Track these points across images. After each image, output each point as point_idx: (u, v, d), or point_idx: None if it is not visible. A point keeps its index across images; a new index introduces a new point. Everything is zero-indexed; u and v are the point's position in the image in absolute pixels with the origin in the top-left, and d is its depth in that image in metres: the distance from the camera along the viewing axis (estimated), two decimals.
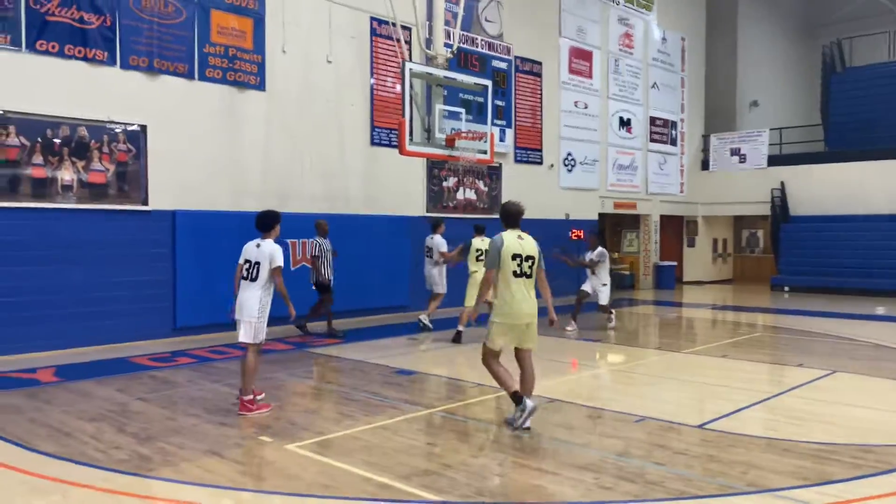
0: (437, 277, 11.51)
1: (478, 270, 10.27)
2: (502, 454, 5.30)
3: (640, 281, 21.07)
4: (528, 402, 5.80)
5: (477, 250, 10.48)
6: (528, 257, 5.90)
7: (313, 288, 10.97)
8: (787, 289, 19.53)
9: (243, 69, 11.41)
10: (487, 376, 6.34)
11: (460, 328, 10.48)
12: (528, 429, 5.80)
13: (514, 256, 5.86)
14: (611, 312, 12.20)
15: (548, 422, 6.20)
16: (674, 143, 21.89)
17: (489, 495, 4.45)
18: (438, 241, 11.39)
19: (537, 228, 16.66)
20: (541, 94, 17.13)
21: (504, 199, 15.98)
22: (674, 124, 21.84)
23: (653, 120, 20.96)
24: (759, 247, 24.16)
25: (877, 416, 6.50)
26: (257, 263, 6.33)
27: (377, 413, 6.43)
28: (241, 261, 6.47)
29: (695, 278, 22.68)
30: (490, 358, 6.03)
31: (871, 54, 24.14)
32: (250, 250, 6.43)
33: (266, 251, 6.32)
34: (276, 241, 6.50)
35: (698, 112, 23.05)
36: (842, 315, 14.23)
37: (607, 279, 12.09)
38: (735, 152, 21.82)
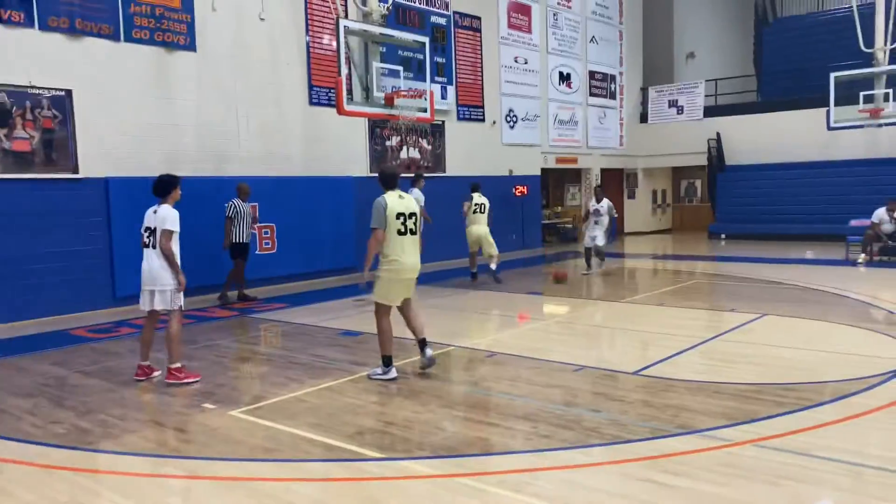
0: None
1: (472, 224, 12.34)
2: (446, 409, 5.42)
3: (582, 234, 21.40)
4: (393, 372, 6.25)
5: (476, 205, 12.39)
6: (411, 214, 6.23)
7: (225, 249, 10.74)
8: (723, 236, 20.17)
9: (172, 29, 11.01)
10: (426, 333, 6.45)
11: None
12: (433, 361, 6.44)
13: (399, 215, 6.14)
14: (604, 257, 13.80)
15: (489, 375, 6.36)
16: (613, 96, 22.12)
17: (431, 449, 4.56)
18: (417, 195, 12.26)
19: (483, 184, 16.69)
20: (481, 51, 17.03)
21: (448, 158, 16.02)
22: (613, 78, 22.04)
23: (592, 74, 21.10)
24: (696, 196, 24.81)
25: (800, 355, 6.85)
26: (154, 230, 6.23)
27: (323, 375, 6.48)
28: (142, 229, 6.35)
29: (636, 229, 23.20)
30: (383, 314, 6.31)
31: (801, 4, 24.64)
32: (149, 217, 6.32)
33: (160, 216, 6.20)
34: (176, 206, 6.38)
35: (636, 65, 23.28)
36: (774, 260, 14.80)
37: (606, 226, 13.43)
38: (672, 104, 22.21)
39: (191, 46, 11.25)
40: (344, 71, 9.47)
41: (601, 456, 4.36)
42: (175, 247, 6.23)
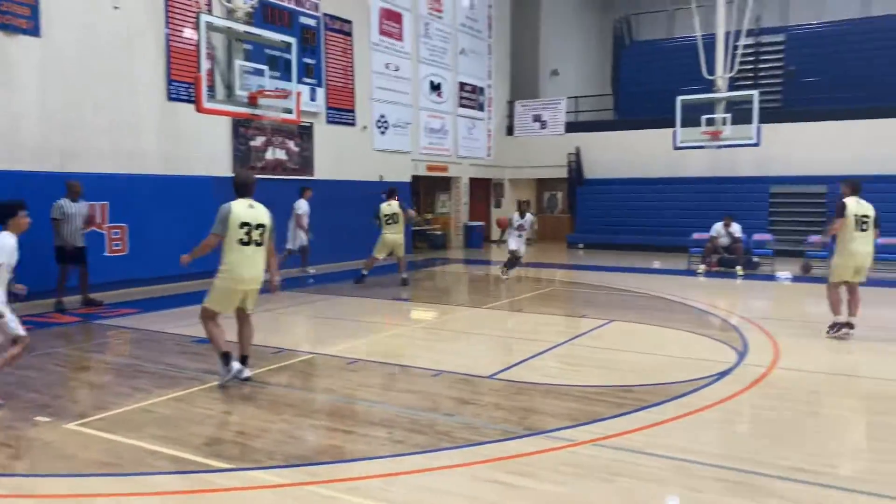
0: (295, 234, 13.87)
1: (386, 233, 12.65)
2: (301, 418, 5.34)
3: (451, 240, 21.84)
4: (234, 366, 6.06)
5: (385, 215, 12.65)
6: (259, 225, 6.04)
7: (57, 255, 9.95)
8: (581, 246, 21.20)
9: (13, 11, 10.16)
10: (288, 341, 6.33)
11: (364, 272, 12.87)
12: (249, 378, 6.19)
13: (244, 225, 5.97)
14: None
15: (349, 382, 6.33)
16: (481, 108, 22.71)
17: (283, 458, 4.48)
18: (300, 205, 13.84)
19: (350, 189, 16.62)
20: (352, 55, 16.96)
21: (317, 161, 15.81)
22: (481, 90, 22.63)
23: (462, 85, 21.57)
24: (558, 207, 25.91)
25: (641, 359, 7.33)
26: None
27: (172, 385, 6.19)
28: None
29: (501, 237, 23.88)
30: (207, 318, 6.19)
31: (655, 30, 26.39)
32: None
33: None
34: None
35: (504, 79, 24.05)
36: (625, 269, 15.74)
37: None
38: (537, 118, 23.12)
39: (34, 31, 10.43)
40: (204, 67, 9.12)
41: (451, 459, 4.46)
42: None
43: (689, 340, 8.25)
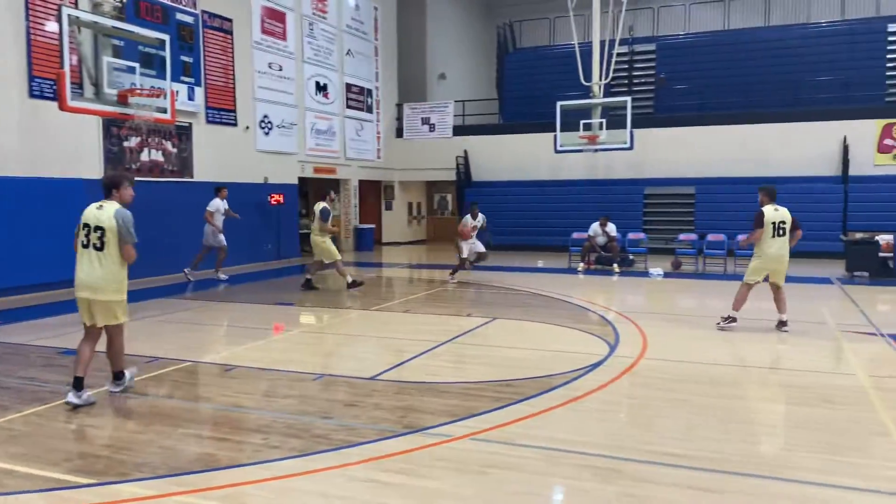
0: (211, 237, 13.79)
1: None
2: (172, 428, 5.15)
3: (341, 243, 21.65)
4: (84, 395, 5.59)
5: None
6: (97, 227, 5.60)
7: None
8: None
9: None
10: (164, 349, 6.11)
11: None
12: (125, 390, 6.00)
13: (85, 226, 5.66)
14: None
15: (226, 390, 6.17)
16: (370, 110, 22.67)
17: (150, 470, 4.32)
18: (216, 204, 13.80)
19: (235, 192, 16.13)
20: (233, 53, 16.50)
21: (196, 162, 15.26)
22: (369, 92, 22.59)
23: (349, 87, 21.45)
24: (448, 209, 26.26)
25: (521, 354, 7.57)
26: None
27: (33, 400, 5.82)
28: None
29: (392, 239, 23.95)
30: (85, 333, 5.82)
31: (537, 37, 27.24)
32: None
33: None
34: None
35: (392, 81, 24.11)
36: (511, 269, 16.15)
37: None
38: (425, 121, 23.34)
39: None
40: (68, 63, 8.62)
41: (327, 461, 4.44)
42: None
43: (566, 335, 8.59)
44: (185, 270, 13.77)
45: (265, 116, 17.69)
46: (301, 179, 19.41)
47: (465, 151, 22.99)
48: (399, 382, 6.32)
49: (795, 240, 8.67)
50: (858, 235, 14.89)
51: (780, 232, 8.48)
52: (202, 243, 13.87)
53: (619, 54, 21.97)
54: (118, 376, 5.96)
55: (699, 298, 12.46)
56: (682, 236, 16.89)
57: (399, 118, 24.04)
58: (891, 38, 20.69)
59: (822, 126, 19.18)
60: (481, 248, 14.28)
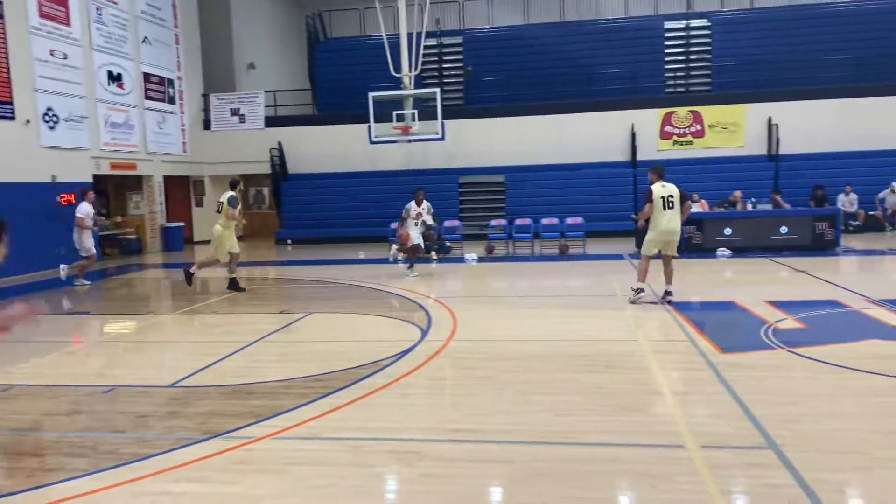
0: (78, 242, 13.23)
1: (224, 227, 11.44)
2: None
3: (147, 244, 20.27)
4: None
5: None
6: None
7: None
8: (290, 242, 21.07)
9: None
10: None
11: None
12: None
13: None
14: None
15: (2, 412, 5.54)
16: (172, 101, 21.36)
17: None
18: (85, 209, 13.27)
19: (17, 193, 14.60)
20: (5, 39, 14.79)
21: None
22: (171, 82, 21.28)
23: (147, 76, 20.05)
24: (265, 204, 25.45)
25: (333, 347, 7.50)
26: None
27: None
28: None
29: (205, 237, 22.76)
30: None
31: (348, 27, 27.05)
32: None
33: None
34: None
35: (196, 71, 22.87)
36: (331, 262, 15.99)
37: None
38: (235, 112, 22.41)
39: None
40: None
41: (115, 478, 4.12)
42: None
43: (381, 324, 8.64)
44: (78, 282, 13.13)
45: (49, 109, 16.06)
46: (96, 177, 17.88)
47: (280, 143, 22.39)
48: (201, 388, 6.02)
49: (685, 213, 9.37)
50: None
51: (670, 205, 9.08)
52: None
53: (428, 47, 22.47)
54: None
55: (509, 280, 13.07)
56: (493, 222, 17.62)
57: (206, 109, 22.87)
58: (667, 35, 22.88)
59: (613, 115, 20.85)
60: (420, 241, 13.43)
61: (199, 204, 22.92)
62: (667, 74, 22.70)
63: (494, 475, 4.06)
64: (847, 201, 18.45)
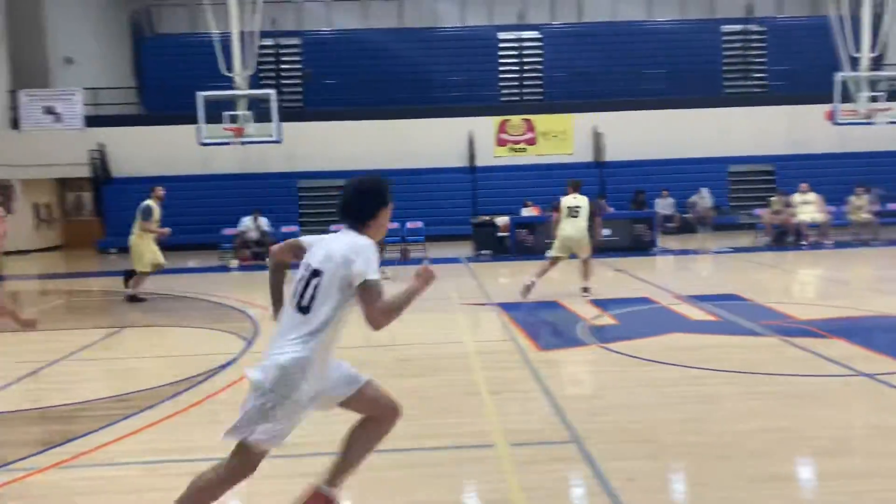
0: None
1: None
2: None
3: None
4: None
5: None
6: None
7: None
8: (114, 251, 19.56)
9: None
10: None
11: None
12: None
13: None
14: None
15: None
16: None
17: None
18: None
19: None
20: None
21: None
22: None
23: None
24: (86, 210, 23.53)
25: (145, 364, 7.02)
26: None
27: None
28: None
29: (15, 248, 20.65)
30: None
31: (178, 23, 25.61)
32: None
33: None
34: None
35: (2, 64, 20.72)
36: (158, 271, 14.98)
37: None
38: (49, 111, 20.55)
39: None
40: None
41: None
42: None
43: (201, 337, 8.21)
44: None
45: None
46: None
47: (102, 145, 20.78)
48: None
49: (598, 226, 10.34)
50: (482, 219, 16.84)
51: (575, 214, 9.83)
52: None
53: (265, 47, 21.80)
54: None
55: None
56: (333, 227, 17.34)
57: (14, 107, 20.76)
58: (501, 45, 23.71)
59: (451, 122, 21.29)
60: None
61: (10, 211, 20.70)
62: (501, 83, 23.51)
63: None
64: (664, 205, 20.01)
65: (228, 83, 17.57)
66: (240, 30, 16.89)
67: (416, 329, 8.19)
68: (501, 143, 21.63)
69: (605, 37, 23.70)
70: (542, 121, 21.71)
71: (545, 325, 8.59)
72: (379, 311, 2.99)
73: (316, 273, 3.04)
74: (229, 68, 17.01)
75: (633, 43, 23.42)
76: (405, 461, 4.26)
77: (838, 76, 17.28)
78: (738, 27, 23.84)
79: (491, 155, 21.38)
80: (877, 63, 19.16)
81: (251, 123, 16.77)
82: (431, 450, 4.43)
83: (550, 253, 10.10)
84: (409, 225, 16.91)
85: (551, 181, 20.37)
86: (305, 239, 3.29)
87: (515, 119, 21.70)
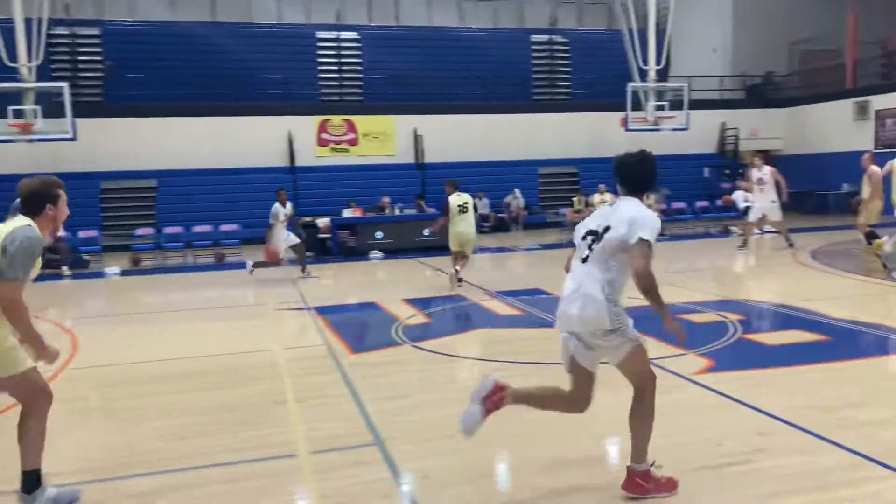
0: None
1: None
2: None
3: None
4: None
5: None
6: None
7: None
8: None
9: None
10: None
11: None
12: None
13: None
14: None
15: None
16: None
17: None
18: None
19: None
20: None
21: None
22: None
23: None
24: None
25: None
26: None
27: None
28: None
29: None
30: None
31: None
32: None
33: None
34: None
35: None
36: None
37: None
38: None
39: None
40: None
41: None
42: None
43: None
44: None
45: None
46: None
47: None
48: None
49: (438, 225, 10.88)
50: (304, 220, 16.55)
51: (464, 211, 10.44)
52: None
53: (58, 36, 19.99)
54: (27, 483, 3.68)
55: (154, 294, 12.16)
56: (140, 231, 16.30)
57: None
58: (320, 45, 23.45)
59: (270, 120, 20.75)
60: (295, 239, 12.35)
61: None
62: (321, 83, 23.24)
63: None
64: (481, 205, 20.80)
65: (11, 75, 15.88)
66: (25, 16, 15.30)
67: (230, 338, 7.92)
68: (323, 143, 21.40)
69: (422, 41, 24.19)
70: (363, 122, 21.76)
71: (361, 327, 8.63)
72: (646, 267, 3.41)
73: (598, 233, 3.56)
74: (13, 58, 15.37)
75: (450, 48, 24.13)
76: (207, 478, 4.08)
77: (629, 86, 18.95)
78: (544, 37, 25.35)
79: (313, 155, 21.10)
80: (663, 75, 21.25)
81: (40, 119, 15.27)
82: (229, 465, 4.28)
83: (451, 247, 10.71)
84: (223, 228, 16.24)
85: (375, 182, 20.54)
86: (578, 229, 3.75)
87: (336, 119, 21.57)
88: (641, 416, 3.68)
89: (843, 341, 6.84)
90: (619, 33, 20.51)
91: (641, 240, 3.40)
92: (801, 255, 12.75)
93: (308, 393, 5.71)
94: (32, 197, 3.68)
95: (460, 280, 10.56)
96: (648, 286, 3.39)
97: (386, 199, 18.07)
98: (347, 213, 17.25)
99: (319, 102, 22.70)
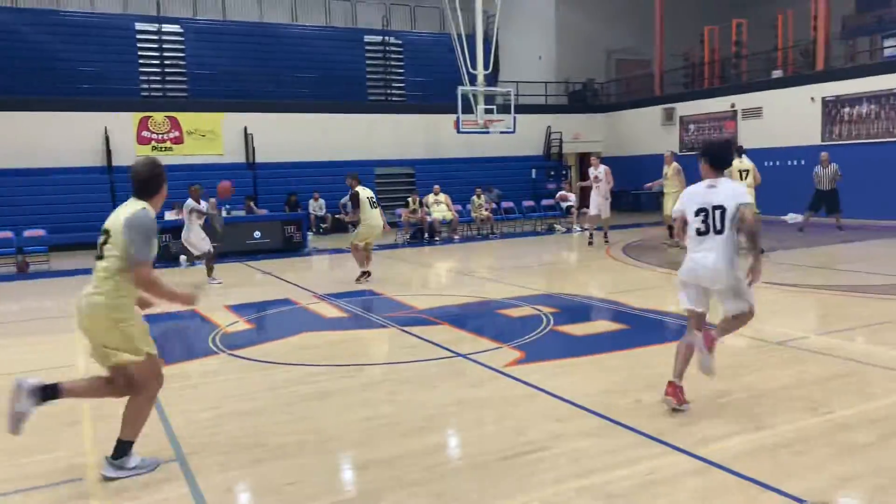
0: None
1: None
2: None
3: None
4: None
5: None
6: (104, 231, 4.19)
7: None
8: None
9: None
10: None
11: None
12: None
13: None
14: None
15: None
16: None
17: None
18: None
19: None
20: None
21: None
22: None
23: None
24: None
25: None
26: None
27: None
28: None
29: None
30: None
31: None
32: None
33: None
34: None
35: None
36: None
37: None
38: None
39: None
40: None
41: None
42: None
43: None
44: None
45: None
46: None
47: None
48: None
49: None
50: None
51: (374, 204, 10.80)
52: None
53: None
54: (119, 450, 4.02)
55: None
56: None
57: None
58: (139, 37, 22.00)
59: (83, 116, 19.20)
60: (206, 245, 11.82)
61: None
62: (141, 78, 21.84)
63: None
64: (316, 206, 20.50)
65: None
66: None
67: (23, 355, 7.21)
68: (144, 141, 20.11)
69: (251, 37, 23.46)
70: (188, 119, 20.70)
71: (177, 337, 8.18)
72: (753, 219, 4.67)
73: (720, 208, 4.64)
74: None
75: (281, 46, 23.57)
76: None
77: (459, 90, 19.46)
78: (378, 38, 25.43)
79: (132, 153, 19.71)
80: (492, 80, 22.03)
81: None
82: (6, 495, 3.88)
83: (355, 240, 10.89)
84: (27, 234, 14.79)
85: (202, 182, 19.52)
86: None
87: (158, 116, 20.36)
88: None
89: (641, 329, 7.43)
90: (449, 36, 21.01)
91: None
92: (613, 251, 13.70)
93: (108, 411, 5.29)
94: (154, 179, 4.06)
95: (368, 273, 10.89)
96: None
97: (213, 201, 17.24)
98: (170, 215, 16.29)
99: (140, 98, 21.34)
